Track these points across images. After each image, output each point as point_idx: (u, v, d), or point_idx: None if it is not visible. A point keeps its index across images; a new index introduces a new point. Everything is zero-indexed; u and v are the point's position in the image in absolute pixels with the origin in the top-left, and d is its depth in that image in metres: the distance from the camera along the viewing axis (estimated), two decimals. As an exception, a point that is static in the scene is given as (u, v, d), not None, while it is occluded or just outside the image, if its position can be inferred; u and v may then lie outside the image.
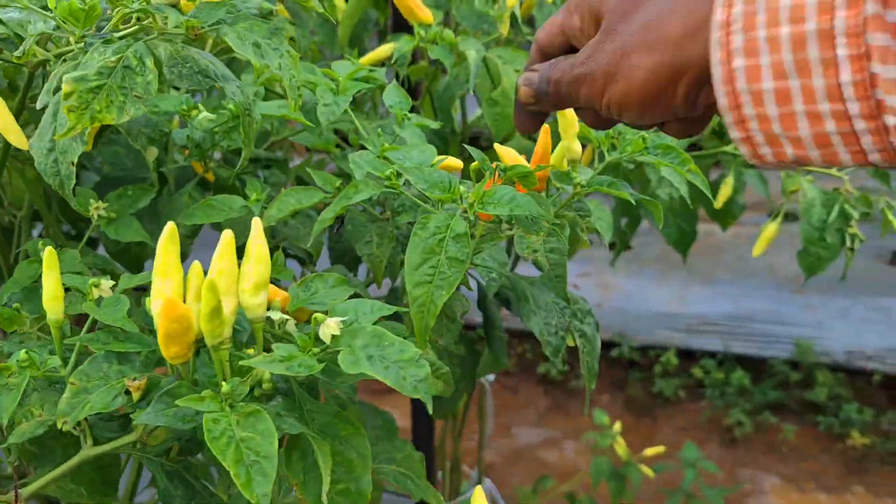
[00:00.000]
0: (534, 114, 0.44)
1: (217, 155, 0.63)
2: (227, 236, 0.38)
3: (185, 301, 0.38)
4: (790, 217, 2.49)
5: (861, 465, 1.91)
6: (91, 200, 0.51)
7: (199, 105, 0.54)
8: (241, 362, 0.36)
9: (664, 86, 0.37)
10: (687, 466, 1.67)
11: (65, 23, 0.39)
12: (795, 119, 0.33)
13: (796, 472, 1.94)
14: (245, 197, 0.54)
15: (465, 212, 0.45)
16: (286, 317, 0.40)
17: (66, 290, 0.42)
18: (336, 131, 0.75)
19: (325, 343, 0.37)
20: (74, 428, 0.39)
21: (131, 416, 0.38)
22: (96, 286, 0.43)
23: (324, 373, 0.36)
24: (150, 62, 0.38)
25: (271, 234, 0.60)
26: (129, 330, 0.41)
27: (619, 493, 1.54)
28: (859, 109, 0.31)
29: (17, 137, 0.44)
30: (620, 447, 1.54)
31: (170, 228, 0.38)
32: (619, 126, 0.76)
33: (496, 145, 0.57)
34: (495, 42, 0.79)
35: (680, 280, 2.20)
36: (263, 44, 0.39)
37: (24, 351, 0.38)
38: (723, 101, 0.34)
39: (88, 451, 0.40)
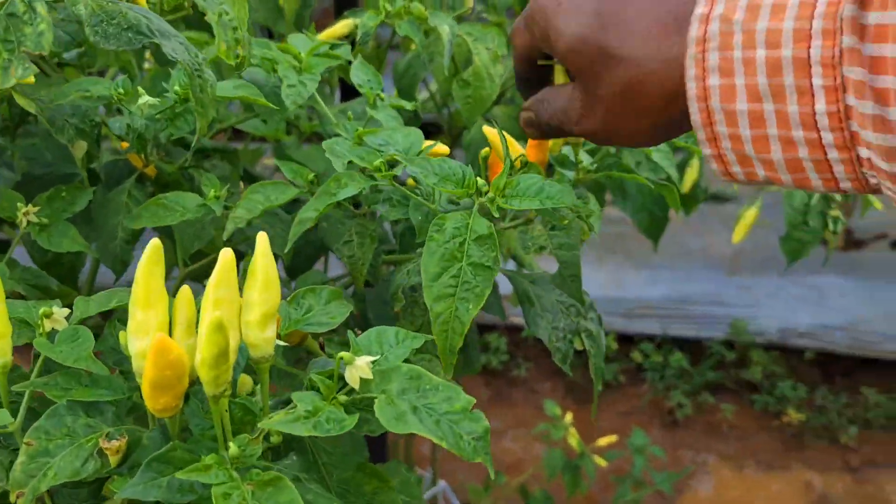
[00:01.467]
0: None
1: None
2: (227, 257, 0.29)
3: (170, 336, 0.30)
4: (720, 199, 2.52)
5: (797, 440, 1.96)
6: (18, 204, 0.42)
7: (140, 88, 0.44)
8: (261, 424, 0.28)
9: (666, 132, 0.37)
10: (635, 453, 1.66)
11: None
12: (768, 142, 0.33)
13: (736, 451, 1.97)
14: (200, 194, 0.46)
15: (485, 207, 0.38)
16: (282, 343, 0.32)
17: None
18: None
19: (352, 388, 0.29)
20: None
21: (108, 484, 0.29)
22: (48, 316, 0.34)
23: (356, 426, 0.28)
24: (41, 7, 0.29)
25: (230, 237, 0.51)
26: (97, 372, 0.32)
27: (574, 485, 1.51)
28: (833, 139, 0.31)
29: None
30: (573, 438, 1.51)
31: (153, 247, 0.30)
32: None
33: (485, 128, 0.50)
34: (460, 16, 0.72)
35: (616, 265, 2.20)
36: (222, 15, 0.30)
37: None
38: (696, 117, 0.34)
39: None
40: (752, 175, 0.34)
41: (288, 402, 0.33)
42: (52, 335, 0.34)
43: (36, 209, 0.43)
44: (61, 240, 0.43)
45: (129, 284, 0.49)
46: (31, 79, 0.29)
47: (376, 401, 0.29)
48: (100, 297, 0.36)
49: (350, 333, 0.32)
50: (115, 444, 0.30)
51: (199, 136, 0.39)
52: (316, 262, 0.62)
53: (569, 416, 1.56)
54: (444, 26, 0.61)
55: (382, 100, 0.53)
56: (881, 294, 1.96)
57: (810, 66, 0.30)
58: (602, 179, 0.86)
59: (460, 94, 0.68)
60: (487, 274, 0.36)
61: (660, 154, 0.66)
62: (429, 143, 0.47)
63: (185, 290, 0.31)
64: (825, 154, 0.31)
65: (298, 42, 0.53)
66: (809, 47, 0.30)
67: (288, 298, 0.36)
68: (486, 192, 0.39)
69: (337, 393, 0.29)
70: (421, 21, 0.63)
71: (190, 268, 0.51)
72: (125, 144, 0.52)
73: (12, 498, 0.29)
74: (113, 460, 0.30)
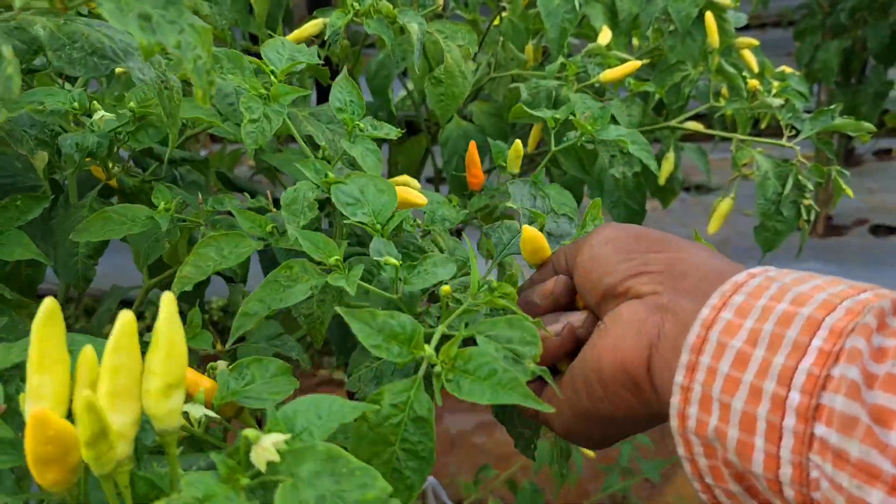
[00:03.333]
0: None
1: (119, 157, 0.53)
2: (126, 319, 0.27)
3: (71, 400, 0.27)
4: (703, 189, 2.52)
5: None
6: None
7: (96, 101, 0.44)
8: None
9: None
10: (623, 442, 1.66)
11: None
12: (738, 386, 0.32)
13: (722, 436, 1.99)
14: (152, 206, 0.44)
15: (429, 374, 0.34)
16: (209, 413, 0.31)
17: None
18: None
19: (258, 470, 0.27)
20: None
21: None
22: None
23: None
24: (7, 50, 0.28)
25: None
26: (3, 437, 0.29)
27: (563, 476, 1.52)
28: (797, 402, 0.30)
29: None
30: (560, 430, 1.51)
31: (47, 307, 0.27)
32: (572, 104, 0.70)
33: (526, 228, 0.47)
34: (432, 15, 0.71)
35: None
36: (155, 15, 0.28)
37: None
38: (691, 337, 0.34)
39: None
40: (702, 426, 0.34)
41: (211, 468, 0.31)
42: None
43: (-13, 218, 0.41)
44: (13, 248, 0.42)
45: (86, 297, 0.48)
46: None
47: (280, 486, 0.26)
48: (20, 347, 0.33)
49: (270, 407, 0.30)
50: None
51: (172, 147, 0.38)
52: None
53: (555, 408, 1.56)
54: (414, 24, 0.61)
55: (362, 130, 0.48)
56: (861, 278, 1.97)
57: (781, 485, 0.31)
58: (575, 176, 0.86)
59: (433, 92, 0.68)
60: (423, 465, 0.33)
61: (637, 146, 0.65)
62: (402, 188, 0.45)
63: (88, 350, 0.28)
64: (782, 418, 0.31)
65: (272, 54, 0.49)
66: (779, 468, 0.31)
67: (230, 367, 0.35)
68: (435, 363, 0.35)
69: (246, 472, 0.27)
70: (390, 19, 0.62)
71: (154, 280, 0.51)
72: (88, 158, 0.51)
73: None
74: None
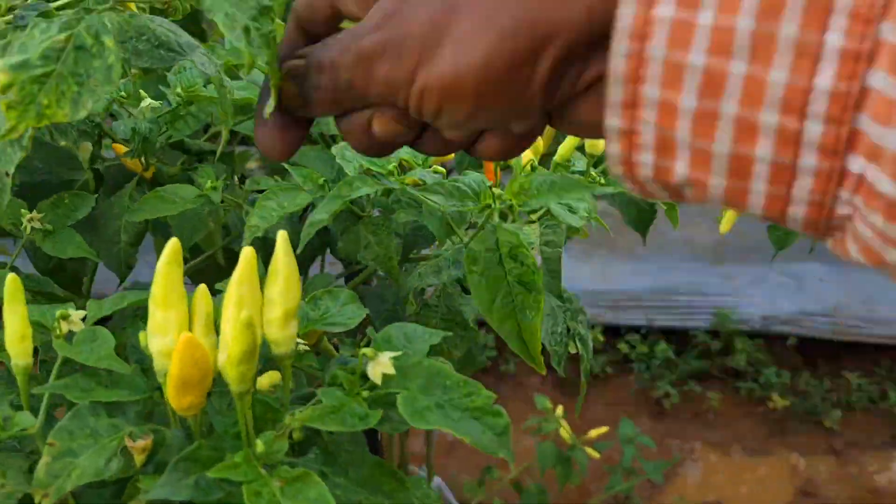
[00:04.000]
0: (292, 124, 0.28)
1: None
2: (249, 255, 0.29)
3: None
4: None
5: (781, 425, 1.99)
6: (22, 211, 0.42)
7: (142, 91, 0.45)
8: (289, 420, 0.28)
9: (519, 62, 0.23)
10: (625, 443, 1.68)
11: None
12: (715, 124, 0.22)
13: (722, 437, 2.00)
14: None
15: (505, 214, 0.39)
16: (300, 342, 0.33)
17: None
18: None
19: (373, 384, 0.30)
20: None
21: (136, 483, 0.30)
22: (65, 318, 0.34)
23: (379, 422, 0.29)
24: (109, 40, 0.29)
25: (226, 234, 0.52)
26: (120, 371, 0.32)
27: (566, 477, 1.53)
28: (820, 136, 0.20)
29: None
30: (565, 431, 1.52)
31: (172, 246, 0.30)
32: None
33: None
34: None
35: (602, 257, 2.22)
36: (252, 28, 0.30)
37: None
38: (617, 62, 0.22)
39: None
40: (665, 172, 0.23)
41: (305, 398, 0.34)
42: (68, 337, 0.34)
43: (40, 216, 0.43)
44: (66, 246, 0.43)
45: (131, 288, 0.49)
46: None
47: (399, 397, 0.29)
48: (112, 298, 0.36)
49: (370, 329, 0.33)
50: (141, 443, 0.30)
51: (225, 141, 0.39)
52: (314, 262, 0.62)
53: (560, 410, 1.57)
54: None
55: None
56: (860, 280, 1.99)
57: (830, 14, 0.20)
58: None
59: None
60: (535, 280, 0.37)
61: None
62: None
63: (203, 288, 0.31)
64: (795, 156, 0.21)
65: None
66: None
67: (306, 299, 0.37)
68: (503, 199, 0.40)
69: (361, 390, 0.30)
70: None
71: (188, 265, 0.52)
72: (120, 149, 0.52)
73: (37, 499, 0.29)
74: (139, 459, 0.30)
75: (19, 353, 0.33)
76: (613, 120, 0.23)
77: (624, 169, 0.24)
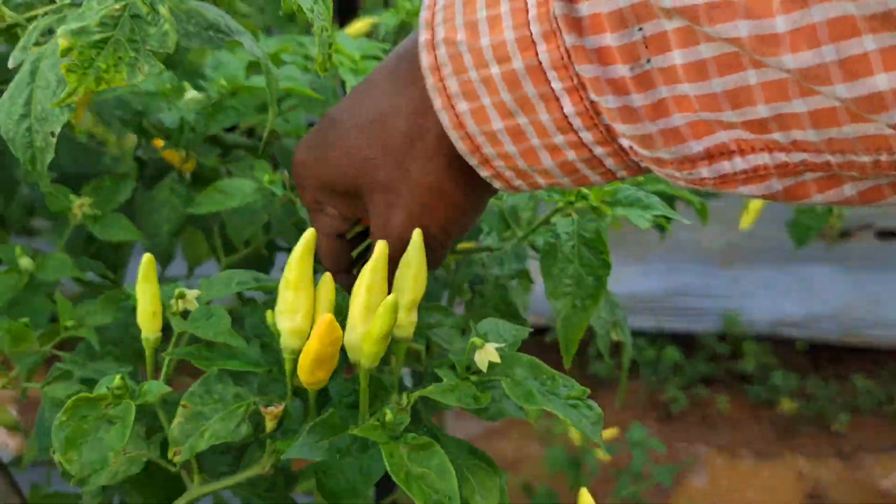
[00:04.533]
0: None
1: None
2: (383, 249, 0.33)
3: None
4: (710, 193, 2.55)
5: (789, 429, 1.99)
6: (71, 196, 0.43)
7: (186, 83, 0.46)
8: (419, 392, 0.31)
9: (468, 180, 0.35)
10: (634, 447, 1.68)
11: None
12: (536, 153, 0.31)
13: (730, 441, 2.00)
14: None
15: (592, 211, 0.41)
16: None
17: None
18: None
19: (481, 371, 0.32)
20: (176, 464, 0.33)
21: (275, 445, 0.33)
22: (182, 297, 0.36)
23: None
24: (163, 9, 0.31)
25: (266, 228, 0.52)
26: (237, 346, 0.34)
27: (576, 480, 1.53)
28: (592, 137, 0.30)
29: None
30: (575, 434, 1.53)
31: (309, 235, 0.34)
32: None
33: None
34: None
35: (612, 260, 2.23)
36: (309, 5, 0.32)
37: (119, 376, 0.31)
38: (461, 145, 0.32)
39: (198, 489, 0.34)
40: (535, 185, 0.33)
41: (402, 383, 0.37)
42: (185, 314, 0.36)
43: (90, 200, 0.44)
44: (114, 229, 0.44)
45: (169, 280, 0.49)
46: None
47: (504, 381, 0.31)
48: (220, 278, 0.38)
49: (471, 322, 0.35)
50: (273, 409, 0.32)
51: (270, 128, 0.40)
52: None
53: (569, 411, 1.58)
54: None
55: None
56: (867, 283, 2.00)
57: (545, 72, 0.29)
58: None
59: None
60: (601, 272, 0.40)
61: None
62: None
63: (328, 276, 0.35)
64: (591, 152, 0.30)
65: (346, 43, 0.55)
66: (537, 53, 0.29)
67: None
68: (590, 199, 0.42)
69: (470, 376, 0.32)
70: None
71: (228, 259, 0.53)
72: (159, 143, 0.53)
73: (170, 455, 0.32)
74: (270, 425, 0.33)
75: (150, 328, 0.35)
76: (483, 172, 0.33)
77: (513, 191, 0.34)
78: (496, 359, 0.32)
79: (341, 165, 0.35)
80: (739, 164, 0.28)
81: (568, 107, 0.29)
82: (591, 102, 0.29)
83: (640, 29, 0.27)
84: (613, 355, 0.57)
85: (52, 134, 0.32)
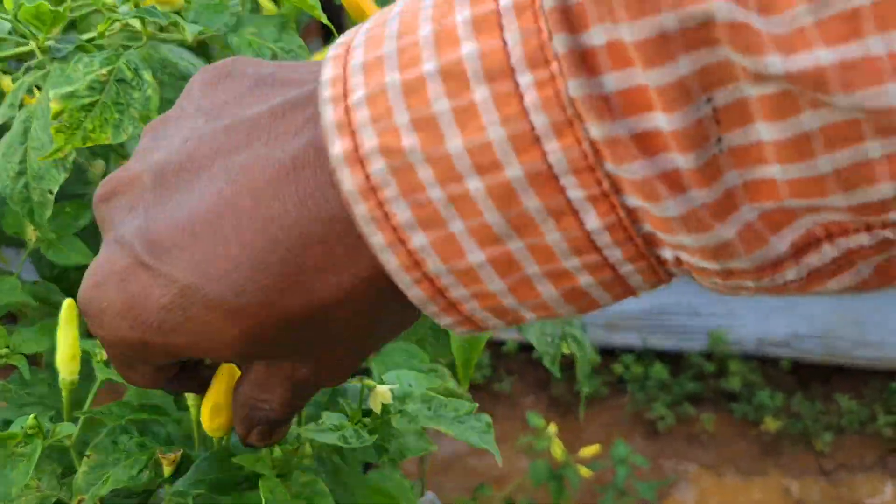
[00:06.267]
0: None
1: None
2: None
3: None
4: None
5: (774, 447, 2.01)
6: (27, 220, 0.45)
7: (153, 111, 0.48)
8: (298, 430, 0.33)
9: (391, 327, 0.26)
10: (618, 463, 1.69)
11: (27, 26, 0.33)
12: (533, 284, 0.22)
13: (715, 459, 2.02)
14: None
15: None
16: None
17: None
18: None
19: (374, 412, 0.34)
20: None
21: (166, 486, 0.33)
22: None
23: (375, 447, 0.34)
24: (147, 74, 0.33)
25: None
26: (155, 400, 0.36)
27: (559, 495, 1.55)
28: (623, 254, 0.21)
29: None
30: (557, 449, 1.54)
31: None
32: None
33: None
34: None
35: (599, 279, 2.24)
36: (278, 50, 0.35)
37: (32, 416, 0.32)
38: (415, 291, 0.22)
39: None
40: (518, 320, 0.24)
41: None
42: (108, 362, 0.38)
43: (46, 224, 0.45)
44: (69, 253, 0.46)
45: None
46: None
47: (394, 418, 0.33)
48: None
49: (374, 363, 0.37)
50: (171, 455, 0.33)
51: None
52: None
53: (552, 427, 1.59)
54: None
55: None
56: (851, 304, 2.02)
57: (557, 179, 0.20)
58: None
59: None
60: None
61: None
62: None
63: None
64: (616, 271, 0.22)
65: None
66: (545, 154, 0.20)
67: None
68: None
69: (361, 417, 0.33)
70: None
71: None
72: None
73: (74, 502, 0.33)
74: (168, 471, 0.34)
75: (68, 371, 0.36)
76: (445, 320, 0.24)
77: (479, 331, 0.25)
78: (388, 400, 0.33)
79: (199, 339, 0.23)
80: (829, 252, 0.21)
81: (592, 221, 0.21)
82: (630, 210, 0.20)
83: (709, 100, 0.19)
84: (566, 369, 0.58)
85: (51, 192, 0.34)
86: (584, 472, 1.55)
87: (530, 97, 0.20)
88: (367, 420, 0.33)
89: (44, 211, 0.34)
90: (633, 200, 0.20)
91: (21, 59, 0.36)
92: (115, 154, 0.50)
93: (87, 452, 0.34)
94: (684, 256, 0.21)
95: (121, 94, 0.33)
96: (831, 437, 1.91)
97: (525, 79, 0.19)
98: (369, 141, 0.21)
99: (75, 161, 0.52)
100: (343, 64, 0.22)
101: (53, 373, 0.39)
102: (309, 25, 1.05)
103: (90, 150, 0.47)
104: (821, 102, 0.18)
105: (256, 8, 0.77)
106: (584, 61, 0.19)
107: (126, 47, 0.33)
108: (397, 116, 0.21)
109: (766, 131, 0.19)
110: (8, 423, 0.35)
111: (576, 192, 0.20)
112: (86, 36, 0.35)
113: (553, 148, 0.20)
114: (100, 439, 0.34)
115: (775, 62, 0.17)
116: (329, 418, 0.33)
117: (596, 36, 0.19)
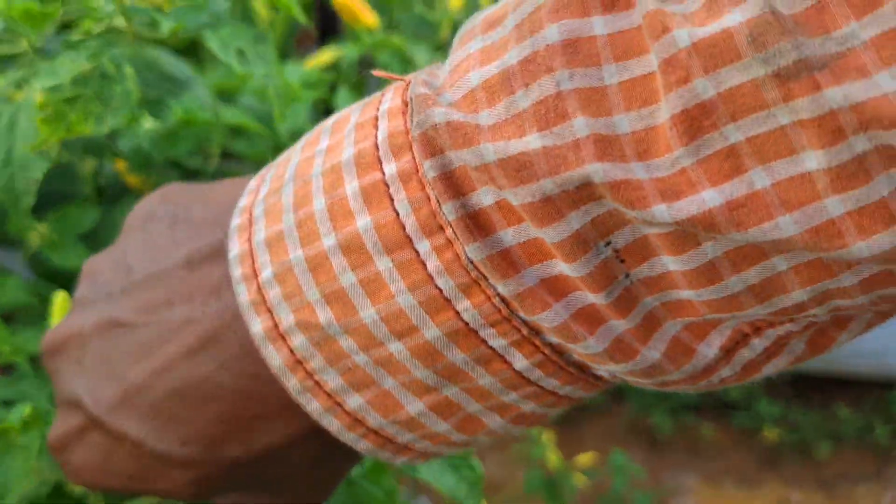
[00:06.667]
0: None
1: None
2: None
3: None
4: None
5: (773, 457, 2.01)
6: (32, 223, 0.46)
7: (145, 112, 0.49)
8: None
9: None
10: (615, 471, 1.69)
11: (17, 24, 0.35)
12: (479, 419, 0.23)
13: (714, 469, 2.02)
14: None
15: None
16: None
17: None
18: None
19: None
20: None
21: None
22: None
23: None
24: (128, 69, 0.35)
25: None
26: None
27: (554, 502, 1.54)
28: (559, 381, 0.22)
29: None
30: (552, 457, 1.54)
31: None
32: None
33: None
34: (437, 47, 0.78)
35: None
36: (248, 50, 0.37)
37: (29, 407, 0.33)
38: (364, 445, 0.24)
39: None
40: (471, 444, 0.25)
41: None
42: None
43: (47, 227, 0.47)
44: (70, 256, 0.47)
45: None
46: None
47: None
48: None
49: None
50: None
51: (216, 158, 0.44)
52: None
53: (547, 435, 1.59)
54: (420, 56, 0.67)
55: None
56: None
57: (476, 333, 0.21)
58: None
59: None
60: None
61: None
62: None
63: None
64: (556, 395, 0.23)
65: (291, 73, 0.58)
66: (458, 314, 0.20)
67: None
68: None
69: None
70: (399, 52, 0.68)
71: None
72: (122, 166, 0.56)
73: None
74: None
75: None
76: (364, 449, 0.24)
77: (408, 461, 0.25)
78: None
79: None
80: (759, 345, 0.21)
81: (520, 362, 0.21)
82: (553, 347, 0.21)
83: (608, 244, 0.19)
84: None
85: (35, 181, 0.35)
86: (580, 480, 1.55)
87: (432, 264, 0.20)
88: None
89: (26, 199, 0.35)
90: (554, 338, 0.20)
91: (12, 57, 0.37)
92: (108, 152, 0.51)
93: None
94: (626, 377, 0.21)
95: (103, 88, 0.34)
96: (829, 448, 1.91)
97: (423, 246, 0.20)
98: (286, 318, 0.22)
99: (68, 160, 0.53)
100: (248, 238, 0.23)
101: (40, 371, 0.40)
102: (306, 31, 1.07)
103: (83, 149, 0.49)
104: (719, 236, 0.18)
105: (248, 17, 0.78)
106: (477, 223, 0.19)
107: (111, 44, 0.35)
108: (307, 293, 0.21)
109: (671, 263, 0.19)
110: (9, 404, 0.36)
111: (497, 342, 0.21)
112: (77, 37, 0.36)
113: (465, 307, 0.20)
114: None
115: (662, 211, 0.17)
116: None
117: (484, 197, 0.19)
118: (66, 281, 0.56)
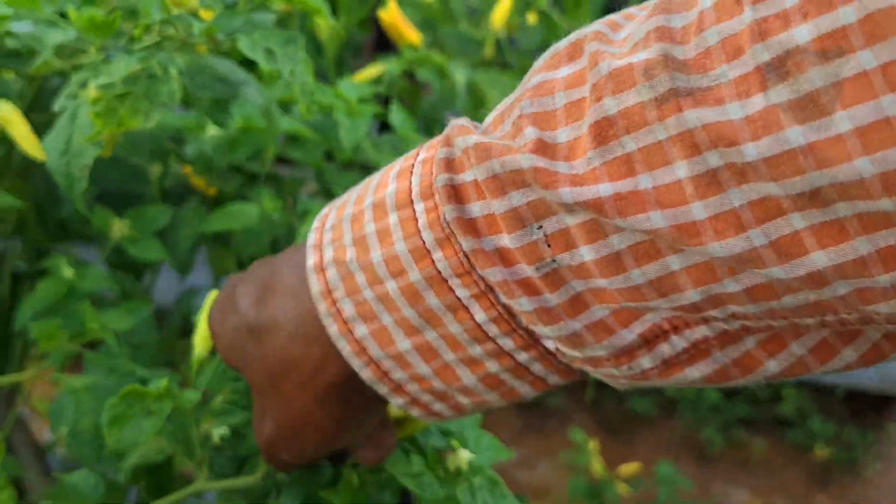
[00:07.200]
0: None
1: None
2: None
3: None
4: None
5: (824, 475, 1.97)
6: (113, 219, 0.52)
7: (207, 120, 0.56)
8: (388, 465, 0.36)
9: (357, 414, 0.32)
10: (662, 483, 1.69)
11: (84, 34, 0.40)
12: (453, 369, 0.29)
13: (765, 485, 1.99)
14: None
15: None
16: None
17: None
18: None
19: (448, 469, 0.36)
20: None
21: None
22: None
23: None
24: (173, 71, 0.40)
25: (273, 246, 0.61)
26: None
27: (597, 511, 1.56)
28: (514, 343, 0.27)
29: (34, 148, 0.45)
30: (597, 465, 1.56)
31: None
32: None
33: None
34: (480, 63, 0.82)
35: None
36: (277, 51, 0.41)
37: (165, 380, 0.37)
38: (365, 374, 0.29)
39: (202, 483, 0.39)
40: (458, 406, 0.30)
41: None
42: None
43: (128, 223, 0.53)
44: (148, 251, 0.53)
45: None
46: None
47: (460, 487, 0.35)
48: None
49: (466, 427, 0.40)
50: None
51: (268, 163, 0.49)
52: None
53: (593, 443, 1.61)
54: (458, 73, 0.72)
55: (415, 142, 0.60)
56: None
57: (446, 281, 0.27)
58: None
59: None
60: None
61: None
62: None
63: None
64: (515, 359, 0.28)
65: (347, 88, 0.62)
66: (434, 262, 0.26)
67: None
68: None
69: (438, 470, 0.36)
70: (440, 69, 0.73)
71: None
72: (188, 169, 0.63)
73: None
74: None
75: (203, 348, 0.39)
76: (397, 400, 0.30)
77: (435, 419, 0.31)
78: (465, 466, 0.35)
79: (228, 347, 0.33)
80: (678, 343, 0.25)
81: (479, 314, 0.27)
82: (504, 306, 0.26)
83: (540, 227, 0.24)
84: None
85: (87, 167, 0.40)
86: (623, 489, 1.56)
87: (422, 220, 0.27)
88: (441, 473, 0.35)
89: (80, 184, 0.39)
90: (503, 298, 0.26)
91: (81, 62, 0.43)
92: (174, 156, 0.58)
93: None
94: (559, 346, 0.26)
95: (151, 86, 0.39)
96: (880, 467, 1.87)
97: (419, 207, 0.27)
98: (328, 254, 0.29)
99: (136, 164, 0.60)
100: (324, 217, 0.31)
101: (142, 349, 0.45)
102: (364, 44, 1.13)
103: (150, 153, 0.55)
104: (618, 227, 0.23)
105: (310, 34, 0.84)
106: (456, 193, 0.26)
107: (161, 49, 0.39)
108: (345, 237, 0.29)
109: (587, 253, 0.24)
110: (144, 381, 0.39)
111: (462, 291, 0.27)
112: (139, 46, 0.42)
113: (439, 257, 0.26)
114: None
115: (566, 193, 0.23)
116: (416, 462, 0.35)
117: (467, 176, 0.26)
118: (138, 272, 0.63)
